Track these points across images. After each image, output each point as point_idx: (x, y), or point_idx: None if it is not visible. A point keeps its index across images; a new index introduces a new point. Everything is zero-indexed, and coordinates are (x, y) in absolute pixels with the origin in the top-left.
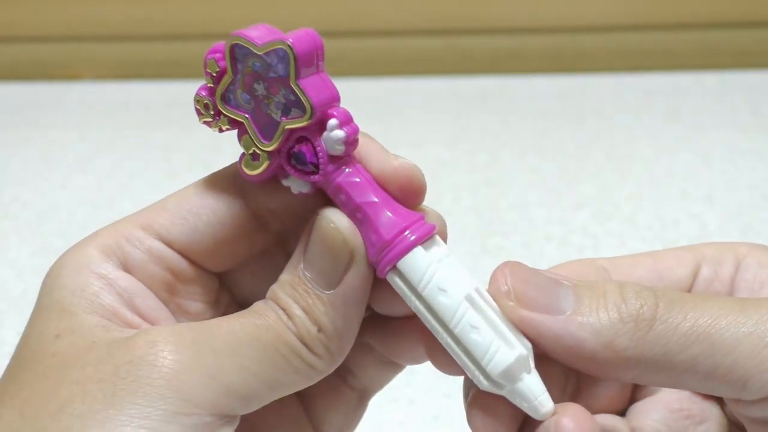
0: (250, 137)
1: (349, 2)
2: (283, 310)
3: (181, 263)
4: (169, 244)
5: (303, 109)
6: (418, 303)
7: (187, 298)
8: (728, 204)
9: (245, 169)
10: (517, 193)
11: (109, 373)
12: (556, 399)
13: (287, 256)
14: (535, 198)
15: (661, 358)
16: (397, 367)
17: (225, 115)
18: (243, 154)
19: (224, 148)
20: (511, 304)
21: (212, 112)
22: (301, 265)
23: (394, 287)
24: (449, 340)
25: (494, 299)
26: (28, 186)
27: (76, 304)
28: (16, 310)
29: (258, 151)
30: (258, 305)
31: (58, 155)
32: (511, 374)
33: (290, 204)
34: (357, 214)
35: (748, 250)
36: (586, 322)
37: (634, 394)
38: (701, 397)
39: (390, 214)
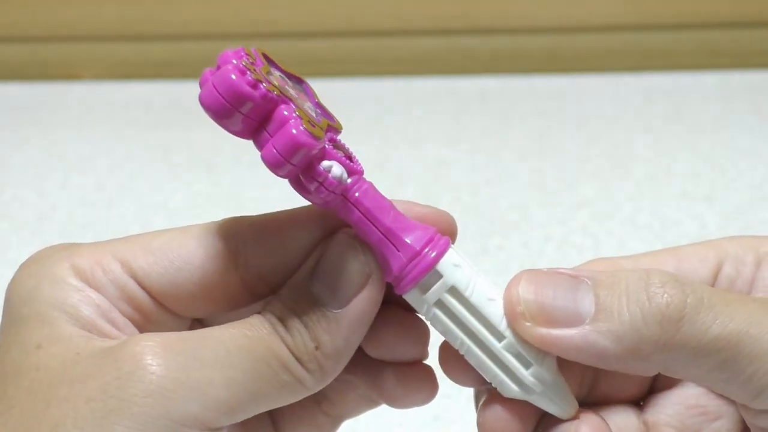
0: (304, 111)
1: (349, 2)
2: (281, 321)
3: (152, 306)
4: (143, 287)
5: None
6: (469, 303)
7: None
8: (728, 204)
9: (308, 128)
10: (517, 193)
11: (97, 391)
12: (575, 391)
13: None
14: (535, 198)
15: (685, 358)
16: (376, 403)
17: (272, 85)
18: (300, 118)
19: (224, 149)
20: (528, 324)
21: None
22: (310, 280)
23: (428, 288)
24: (499, 340)
25: (510, 320)
26: (28, 186)
27: (56, 317)
28: None
29: (313, 123)
30: (253, 317)
31: (58, 155)
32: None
33: (284, 264)
34: (392, 211)
35: None
36: (607, 329)
37: (654, 383)
38: (717, 394)
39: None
